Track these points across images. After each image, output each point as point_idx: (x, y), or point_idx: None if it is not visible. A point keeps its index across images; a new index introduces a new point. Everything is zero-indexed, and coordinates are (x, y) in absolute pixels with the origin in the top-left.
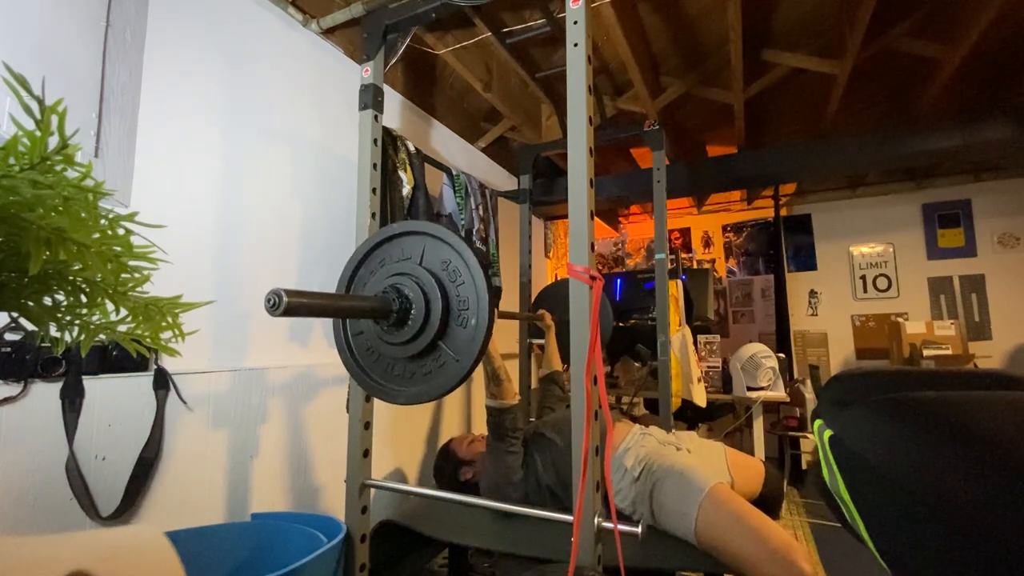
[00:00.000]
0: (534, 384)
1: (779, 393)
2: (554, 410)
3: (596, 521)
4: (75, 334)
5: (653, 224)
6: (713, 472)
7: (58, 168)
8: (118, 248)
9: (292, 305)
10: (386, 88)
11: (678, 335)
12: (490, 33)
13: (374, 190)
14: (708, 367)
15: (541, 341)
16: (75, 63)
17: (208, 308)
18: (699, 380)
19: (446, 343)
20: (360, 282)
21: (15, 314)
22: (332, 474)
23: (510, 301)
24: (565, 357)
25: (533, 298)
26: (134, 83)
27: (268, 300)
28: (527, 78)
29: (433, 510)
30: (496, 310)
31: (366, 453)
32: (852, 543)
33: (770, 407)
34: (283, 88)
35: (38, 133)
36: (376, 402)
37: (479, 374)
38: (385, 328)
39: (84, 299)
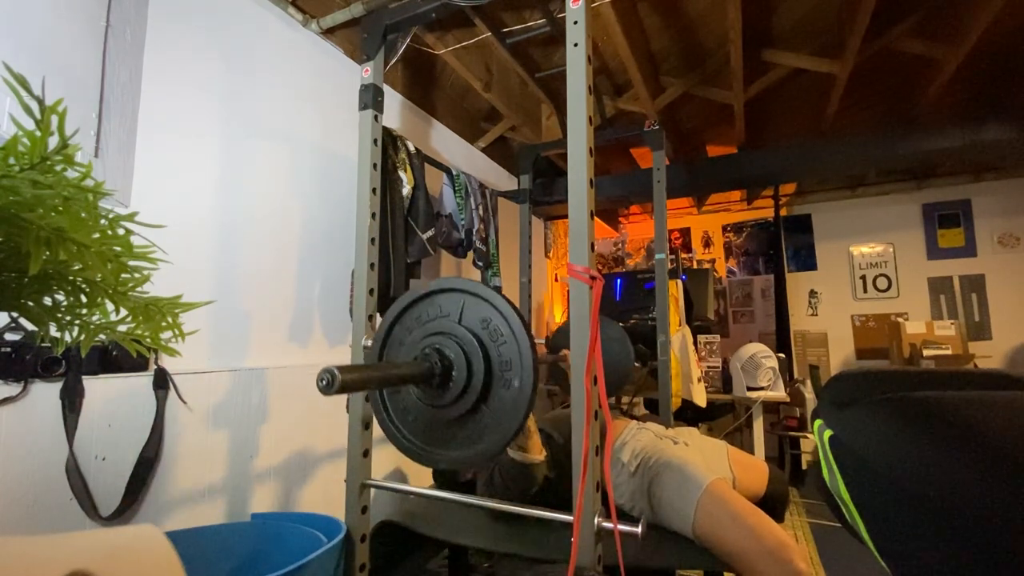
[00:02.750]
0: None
1: (779, 393)
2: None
3: (596, 521)
4: (75, 334)
5: (653, 224)
6: (713, 468)
7: (58, 168)
8: (118, 248)
9: (346, 382)
10: (386, 88)
11: (678, 335)
12: (490, 33)
13: (374, 190)
14: (708, 367)
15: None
16: (75, 63)
17: (208, 308)
18: (699, 380)
19: (489, 406)
20: (396, 341)
21: (15, 314)
22: (332, 474)
23: None
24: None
25: (545, 320)
26: (134, 83)
27: (321, 379)
28: (527, 78)
29: (433, 510)
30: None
31: (366, 453)
32: (852, 543)
33: (770, 407)
34: (283, 88)
35: (38, 133)
36: None
37: None
38: (424, 390)
39: (84, 299)
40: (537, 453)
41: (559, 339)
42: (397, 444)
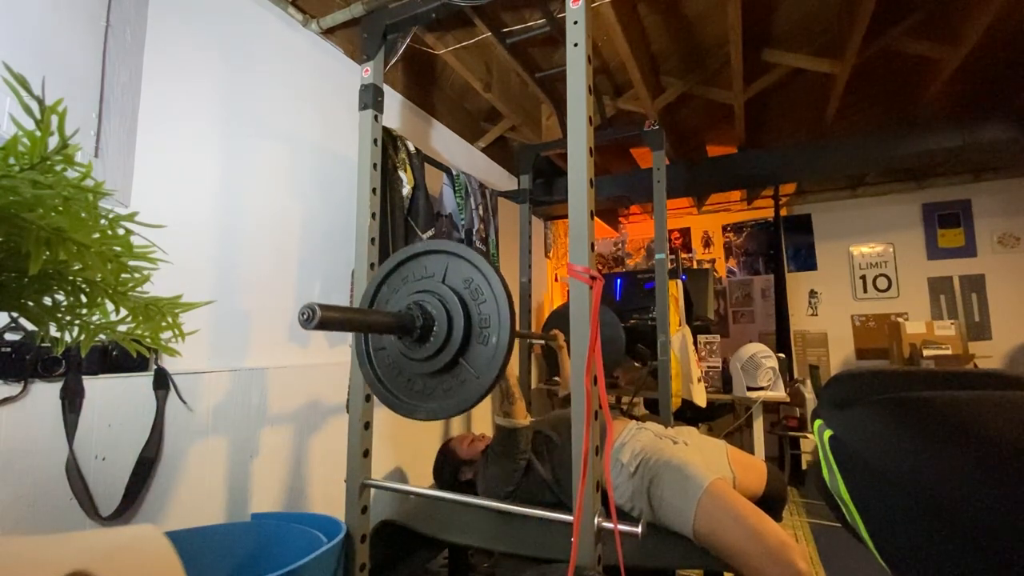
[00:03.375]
0: (534, 384)
1: (779, 393)
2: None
3: (596, 521)
4: (75, 334)
5: (653, 224)
6: (713, 467)
7: (58, 168)
8: (118, 248)
9: (325, 319)
10: (386, 88)
11: (678, 335)
12: (490, 33)
13: (374, 190)
14: (708, 367)
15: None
16: (75, 63)
17: (208, 308)
18: (699, 380)
19: (467, 360)
20: (383, 299)
21: (15, 314)
22: (332, 474)
23: None
24: None
25: (545, 318)
26: (134, 83)
27: (302, 314)
28: (527, 78)
29: (433, 510)
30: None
31: (366, 453)
32: (852, 543)
33: (770, 407)
34: (283, 88)
35: (38, 133)
36: (376, 402)
37: (494, 396)
38: (407, 344)
39: (84, 299)
40: (522, 418)
41: (553, 321)
42: (380, 396)
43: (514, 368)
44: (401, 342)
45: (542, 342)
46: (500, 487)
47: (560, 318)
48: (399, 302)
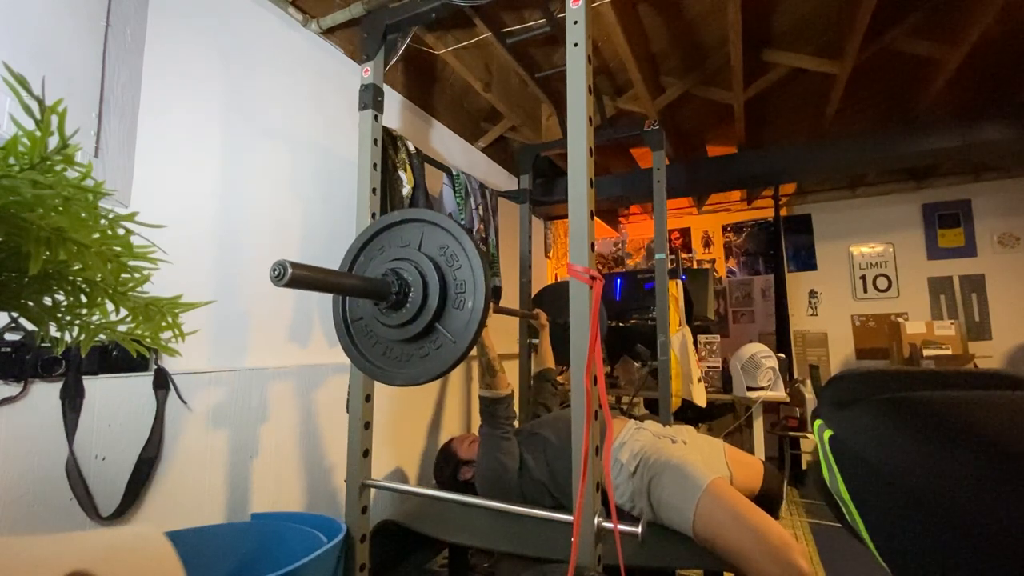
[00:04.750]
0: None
1: (779, 393)
2: (549, 408)
3: (596, 521)
4: (75, 334)
5: (653, 224)
6: (712, 467)
7: (58, 168)
8: (118, 248)
9: (296, 276)
10: (386, 88)
11: (678, 335)
12: (490, 33)
13: (374, 190)
14: (708, 367)
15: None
16: (75, 63)
17: (208, 308)
18: (699, 380)
19: (443, 325)
20: (360, 268)
21: (15, 314)
22: (332, 474)
23: (510, 301)
24: (558, 358)
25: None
26: (134, 83)
27: (273, 270)
28: (527, 78)
29: (433, 510)
30: (492, 301)
31: (366, 453)
32: (852, 543)
33: (770, 407)
34: (283, 88)
35: (38, 133)
36: (376, 402)
37: (478, 370)
38: (383, 310)
39: (84, 299)
40: (504, 388)
41: (539, 300)
42: (358, 364)
43: (493, 341)
44: (377, 308)
45: (528, 321)
46: (500, 468)
47: (547, 296)
48: (376, 270)
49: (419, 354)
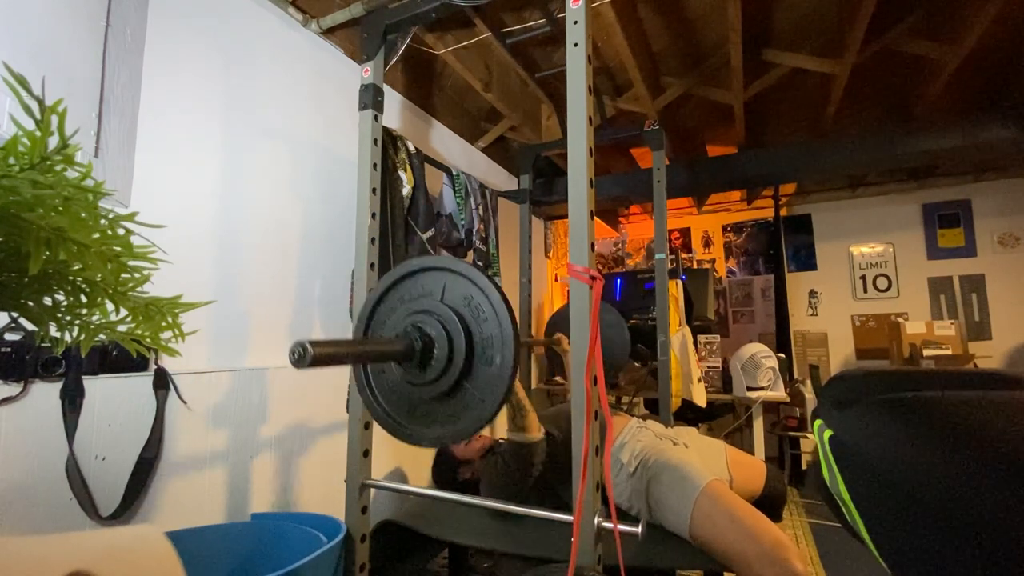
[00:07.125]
0: (534, 384)
1: (779, 393)
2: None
3: (596, 521)
4: (75, 334)
5: (653, 224)
6: (711, 469)
7: (58, 168)
8: (118, 248)
9: (319, 356)
10: (386, 88)
11: (678, 335)
12: (490, 33)
13: (374, 190)
14: (708, 367)
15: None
16: (75, 63)
17: (208, 308)
18: (699, 380)
19: (470, 383)
20: (379, 320)
21: (15, 314)
22: (332, 474)
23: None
24: None
25: (546, 321)
26: (134, 83)
27: (293, 352)
28: (527, 78)
29: (433, 510)
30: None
31: (366, 453)
32: (852, 543)
33: (770, 407)
34: (283, 88)
35: (38, 133)
36: None
37: (506, 411)
38: (408, 369)
39: (84, 299)
40: (535, 431)
41: (554, 325)
42: (380, 422)
43: (522, 378)
44: (401, 367)
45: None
46: (508, 493)
47: (563, 320)
48: (397, 323)
49: (445, 412)
